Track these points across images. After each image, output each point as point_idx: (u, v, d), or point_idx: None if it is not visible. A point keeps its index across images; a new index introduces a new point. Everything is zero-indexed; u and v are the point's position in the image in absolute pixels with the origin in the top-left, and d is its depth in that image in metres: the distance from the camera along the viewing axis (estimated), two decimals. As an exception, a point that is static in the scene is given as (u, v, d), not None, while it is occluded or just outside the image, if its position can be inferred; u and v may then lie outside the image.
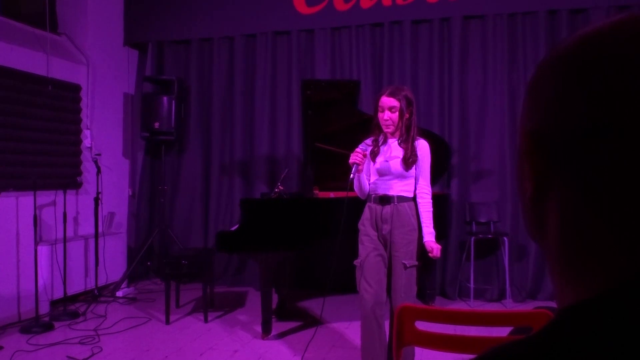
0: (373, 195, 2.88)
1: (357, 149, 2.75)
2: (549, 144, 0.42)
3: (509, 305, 4.64)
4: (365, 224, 2.89)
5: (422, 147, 2.85)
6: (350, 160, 2.73)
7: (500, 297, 4.85)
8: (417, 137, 2.85)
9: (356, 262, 2.88)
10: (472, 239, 4.71)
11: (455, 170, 5.05)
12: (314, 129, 4.29)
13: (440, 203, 4.47)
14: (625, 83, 0.37)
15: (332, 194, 4.30)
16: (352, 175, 2.73)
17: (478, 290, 4.87)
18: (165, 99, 5.47)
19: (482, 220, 4.92)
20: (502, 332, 1.44)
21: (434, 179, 4.92)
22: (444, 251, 5.05)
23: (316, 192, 4.33)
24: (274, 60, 5.61)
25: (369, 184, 2.90)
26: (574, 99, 0.40)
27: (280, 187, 4.29)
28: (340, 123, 4.30)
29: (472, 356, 0.44)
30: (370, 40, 5.32)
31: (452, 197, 4.99)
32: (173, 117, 5.48)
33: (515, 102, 4.94)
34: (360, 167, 2.75)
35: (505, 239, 4.69)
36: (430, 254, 2.81)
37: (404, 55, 5.19)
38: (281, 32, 5.58)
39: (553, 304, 2.97)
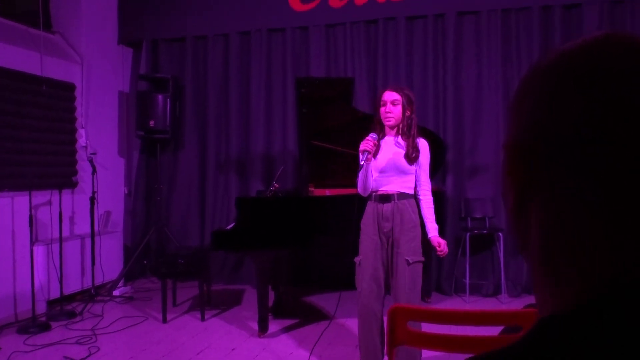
0: (374, 194, 2.90)
1: (368, 137, 2.75)
2: (535, 150, 0.42)
3: (505, 300, 4.67)
4: (366, 223, 2.92)
5: (424, 145, 2.91)
6: (361, 148, 2.73)
7: (496, 292, 4.87)
8: (418, 136, 2.90)
9: (356, 259, 2.92)
10: (468, 234, 4.73)
11: (450, 166, 5.06)
12: (309, 126, 4.29)
13: (435, 199, 4.47)
14: (621, 94, 0.38)
15: (327, 192, 4.31)
16: (361, 162, 2.72)
17: (474, 286, 4.89)
18: (160, 97, 5.46)
19: (478, 216, 4.94)
20: (493, 331, 1.46)
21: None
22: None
23: (312, 189, 4.34)
24: (268, 58, 5.60)
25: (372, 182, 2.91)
26: (570, 104, 0.40)
27: (275, 185, 4.30)
28: (335, 120, 4.30)
29: (463, 355, 0.45)
30: (365, 37, 5.32)
31: (448, 193, 5.00)
32: (168, 115, 5.48)
33: (509, 97, 4.95)
34: (370, 156, 2.75)
35: (501, 234, 4.70)
36: (438, 249, 2.86)
37: (399, 52, 5.19)
38: (276, 29, 5.57)
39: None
